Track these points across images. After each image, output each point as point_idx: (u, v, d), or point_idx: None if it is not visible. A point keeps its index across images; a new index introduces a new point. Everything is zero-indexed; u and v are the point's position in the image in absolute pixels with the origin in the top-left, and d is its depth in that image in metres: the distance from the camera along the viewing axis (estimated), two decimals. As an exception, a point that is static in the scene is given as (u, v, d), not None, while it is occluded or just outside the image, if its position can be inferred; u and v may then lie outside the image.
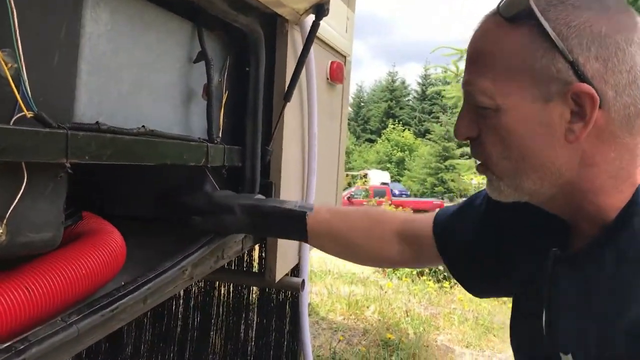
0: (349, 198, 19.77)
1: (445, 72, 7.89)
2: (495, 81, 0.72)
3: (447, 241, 1.03)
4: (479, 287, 1.03)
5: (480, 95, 0.74)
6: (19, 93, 0.70)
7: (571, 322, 0.74)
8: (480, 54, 0.75)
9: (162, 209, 1.28)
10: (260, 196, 1.22)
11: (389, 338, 3.63)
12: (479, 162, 0.81)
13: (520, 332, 0.90)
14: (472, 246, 0.99)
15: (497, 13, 0.73)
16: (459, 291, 5.38)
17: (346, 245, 1.14)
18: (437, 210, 1.09)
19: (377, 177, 29.14)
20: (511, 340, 0.93)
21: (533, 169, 0.73)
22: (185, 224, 1.18)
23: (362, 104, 58.03)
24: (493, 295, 1.11)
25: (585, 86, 0.67)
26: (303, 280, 1.63)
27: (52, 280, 0.82)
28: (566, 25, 0.68)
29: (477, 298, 4.89)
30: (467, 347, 3.75)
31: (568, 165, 0.72)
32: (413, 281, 5.69)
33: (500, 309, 4.72)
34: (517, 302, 0.92)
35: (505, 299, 5.05)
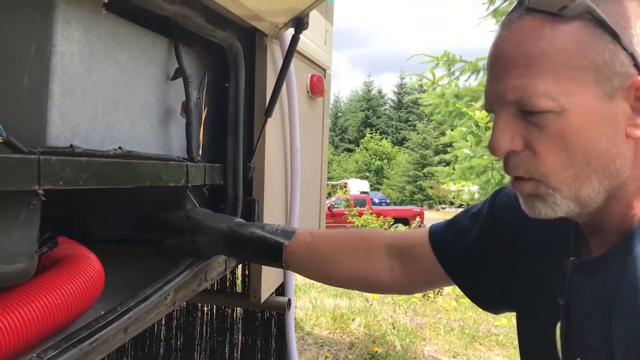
0: (329, 208, 19.72)
1: (421, 79, 7.90)
2: (557, 81, 0.67)
3: (447, 249, 0.97)
4: (486, 296, 0.98)
5: (539, 99, 0.67)
6: (-14, 118, 0.66)
7: (591, 330, 0.71)
8: (529, 55, 0.68)
9: (139, 230, 1.23)
10: (239, 220, 1.14)
11: (376, 351, 3.60)
12: (520, 177, 0.73)
13: (532, 344, 0.87)
14: (474, 252, 0.94)
15: (531, 10, 0.68)
16: (443, 300, 5.37)
17: (329, 265, 1.05)
18: (430, 225, 1.04)
19: (357, 186, 29.21)
20: (521, 354, 0.90)
21: (596, 173, 0.69)
22: (159, 249, 1.13)
23: (340, 114, 58.32)
24: (503, 308, 1.01)
25: None
26: (289, 300, 1.59)
27: (25, 314, 0.77)
28: (619, 16, 0.66)
29: (461, 307, 4.86)
30: (454, 357, 3.73)
31: (626, 164, 0.69)
32: (397, 291, 5.67)
33: (485, 318, 4.72)
34: (525, 313, 0.89)
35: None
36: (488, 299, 0.99)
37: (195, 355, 2.31)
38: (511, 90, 0.69)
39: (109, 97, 0.95)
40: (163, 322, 2.34)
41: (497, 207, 0.94)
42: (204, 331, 2.30)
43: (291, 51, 1.35)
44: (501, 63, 0.71)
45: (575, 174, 0.69)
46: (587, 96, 0.67)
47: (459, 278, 0.98)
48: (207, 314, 2.29)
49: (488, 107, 0.75)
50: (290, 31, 1.36)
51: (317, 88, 1.76)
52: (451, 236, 0.98)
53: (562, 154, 0.69)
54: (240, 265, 1.72)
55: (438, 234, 0.99)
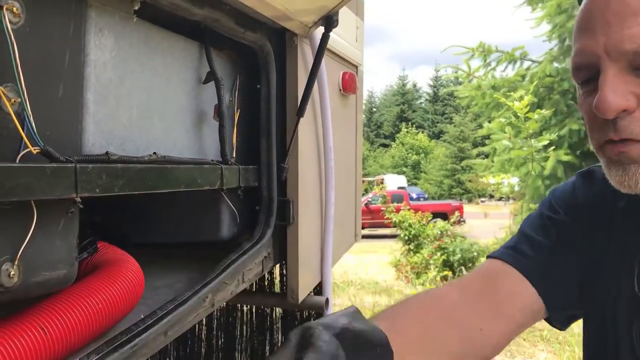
0: (366, 204, 19.64)
1: (456, 71, 7.79)
2: None
3: (548, 283, 0.81)
4: (566, 313, 0.85)
5: None
6: (23, 129, 0.68)
7: None
8: None
9: None
10: None
11: (417, 347, 3.57)
12: (629, 140, 0.64)
13: (602, 343, 0.78)
14: (560, 268, 0.81)
15: None
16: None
17: None
18: (494, 256, 0.85)
19: (394, 181, 29.00)
20: (585, 351, 0.82)
21: None
22: None
23: (374, 109, 58.06)
24: (575, 317, 0.87)
25: None
26: (327, 299, 1.58)
27: (68, 319, 0.79)
28: None
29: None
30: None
31: None
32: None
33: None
34: (595, 311, 0.80)
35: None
36: (568, 313, 0.86)
37: (237, 355, 2.33)
38: (629, 39, 0.61)
39: (143, 103, 0.97)
40: (204, 322, 2.37)
41: (557, 210, 0.85)
42: (244, 331, 2.31)
43: (322, 50, 1.34)
44: (613, 9, 0.62)
45: None
46: None
47: (551, 305, 0.81)
48: (246, 314, 2.30)
49: (587, 63, 0.66)
50: (320, 29, 1.35)
51: (349, 85, 1.74)
52: (536, 258, 0.82)
53: None
54: (277, 265, 1.72)
55: (512, 255, 0.82)
